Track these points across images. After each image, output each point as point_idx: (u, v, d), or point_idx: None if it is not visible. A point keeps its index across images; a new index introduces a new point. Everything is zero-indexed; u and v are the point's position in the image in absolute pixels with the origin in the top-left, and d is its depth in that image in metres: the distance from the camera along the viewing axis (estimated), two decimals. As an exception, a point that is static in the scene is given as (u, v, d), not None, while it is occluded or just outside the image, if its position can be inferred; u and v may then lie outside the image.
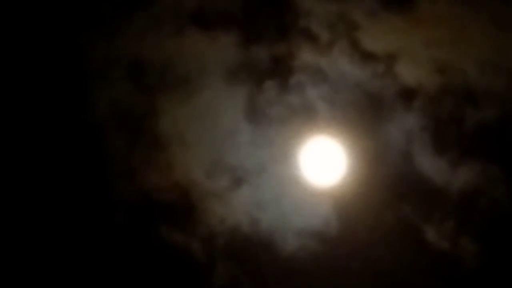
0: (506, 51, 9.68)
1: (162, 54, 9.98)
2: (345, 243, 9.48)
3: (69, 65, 9.98)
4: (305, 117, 9.75)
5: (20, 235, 9.52)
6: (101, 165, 9.73)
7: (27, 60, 9.96)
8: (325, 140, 9.73)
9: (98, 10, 10.07)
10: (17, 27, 10.02)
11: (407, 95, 9.69)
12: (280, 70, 9.84)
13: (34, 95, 9.87)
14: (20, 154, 9.71)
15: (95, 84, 9.91)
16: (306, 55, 9.80)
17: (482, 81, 9.66)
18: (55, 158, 9.70)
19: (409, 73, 9.70)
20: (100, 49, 9.98)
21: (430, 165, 9.60)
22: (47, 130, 9.79)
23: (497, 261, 9.35)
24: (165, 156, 9.76)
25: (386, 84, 9.70)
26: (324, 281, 9.43)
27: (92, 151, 9.77)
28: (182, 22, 10.05)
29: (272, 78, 9.83)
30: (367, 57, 9.74)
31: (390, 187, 9.61)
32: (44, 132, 9.77)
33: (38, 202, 9.60)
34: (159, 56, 9.97)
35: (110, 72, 9.97)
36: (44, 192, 9.61)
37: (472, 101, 9.67)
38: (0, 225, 9.54)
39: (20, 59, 9.96)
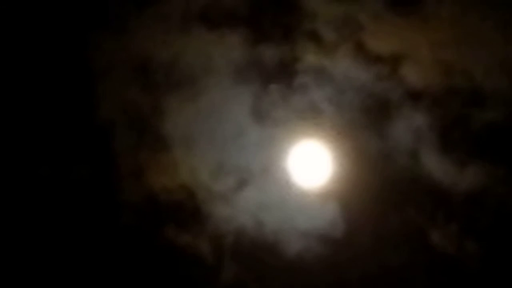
0: (512, 52, 9.67)
1: (169, 52, 9.99)
2: (350, 246, 9.49)
3: (75, 64, 10.00)
4: (311, 119, 9.76)
5: (26, 235, 9.59)
6: (107, 166, 9.77)
7: (33, 59, 9.99)
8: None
9: (105, 8, 10.07)
10: (24, 25, 10.04)
11: (413, 97, 9.67)
12: (285, 72, 9.85)
13: (40, 94, 9.91)
14: (26, 155, 9.75)
15: (102, 83, 9.94)
16: (311, 57, 9.79)
17: (488, 83, 9.64)
18: (62, 159, 9.75)
19: (414, 75, 9.68)
20: (107, 48, 10.00)
21: (436, 167, 9.58)
22: (53, 130, 9.83)
23: (502, 264, 9.35)
24: (171, 157, 9.79)
25: (392, 86, 9.69)
26: (328, 283, 9.47)
27: (98, 151, 9.81)
28: (190, 21, 10.05)
29: (277, 80, 9.83)
30: (372, 59, 9.72)
31: (396, 189, 9.60)
32: (50, 132, 9.81)
33: (44, 202, 9.65)
34: (166, 55, 9.99)
35: (116, 71, 10.00)
36: (51, 193, 9.66)
37: (478, 102, 9.65)
38: (8, 223, 9.61)
39: (26, 58, 9.99)
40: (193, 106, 9.89)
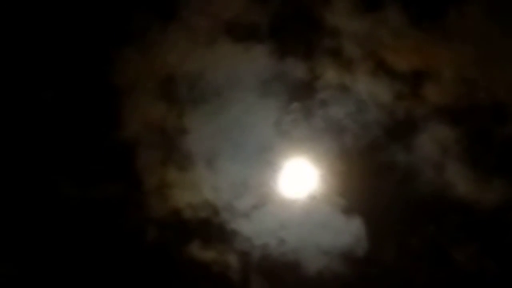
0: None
1: (194, 66, 10.01)
2: (372, 264, 9.54)
3: (99, 80, 10.05)
4: (333, 135, 9.77)
5: (52, 252, 9.78)
6: (132, 184, 9.89)
7: (56, 75, 10.07)
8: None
9: (129, 22, 10.11)
10: (48, 42, 10.12)
11: (435, 114, 9.63)
12: (308, 88, 9.84)
13: (64, 112, 10.03)
14: (51, 173, 9.91)
15: (127, 99, 10.01)
16: (332, 74, 9.77)
17: (511, 99, 9.55)
18: (87, 177, 9.89)
19: (436, 91, 9.62)
20: (131, 63, 10.04)
21: (460, 184, 9.54)
22: (79, 148, 9.95)
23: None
24: (195, 174, 9.87)
25: (413, 103, 9.65)
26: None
27: (123, 169, 9.93)
28: (215, 34, 10.07)
29: (300, 96, 9.84)
30: (394, 76, 9.68)
31: (420, 206, 9.60)
32: (75, 150, 9.94)
33: (71, 220, 9.82)
34: (191, 69, 10.01)
35: (141, 86, 10.05)
36: (77, 211, 9.83)
37: (501, 118, 9.56)
38: (34, 240, 9.82)
39: (50, 74, 10.08)
40: (218, 121, 9.92)
